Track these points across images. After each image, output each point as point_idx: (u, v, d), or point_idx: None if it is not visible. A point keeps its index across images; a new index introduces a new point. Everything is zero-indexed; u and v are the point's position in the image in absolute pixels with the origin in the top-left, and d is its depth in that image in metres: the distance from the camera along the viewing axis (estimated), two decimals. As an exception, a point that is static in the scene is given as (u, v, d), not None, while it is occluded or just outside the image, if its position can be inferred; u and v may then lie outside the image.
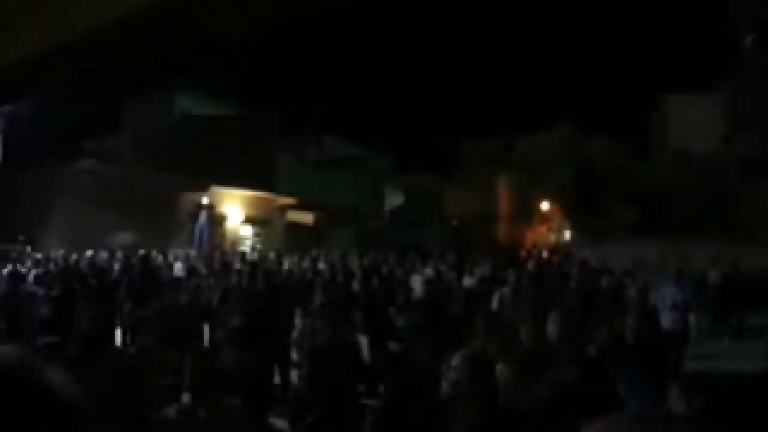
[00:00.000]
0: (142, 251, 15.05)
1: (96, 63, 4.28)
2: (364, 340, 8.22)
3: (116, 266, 13.60)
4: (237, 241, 26.99)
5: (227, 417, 3.36)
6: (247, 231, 28.36)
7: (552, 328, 4.59)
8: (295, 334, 7.12)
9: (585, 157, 35.01)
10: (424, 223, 38.33)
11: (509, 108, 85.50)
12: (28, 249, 17.31)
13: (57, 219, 20.31)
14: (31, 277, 10.95)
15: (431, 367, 4.51)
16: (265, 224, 28.90)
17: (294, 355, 7.41)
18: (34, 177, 20.96)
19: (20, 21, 3.85)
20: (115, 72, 6.38)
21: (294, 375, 7.38)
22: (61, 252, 15.88)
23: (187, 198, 24.61)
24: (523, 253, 23.74)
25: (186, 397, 3.57)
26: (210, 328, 9.03)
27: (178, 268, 14.14)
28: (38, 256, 15.38)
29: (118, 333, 9.23)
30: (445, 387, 3.79)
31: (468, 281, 11.60)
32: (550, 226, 39.63)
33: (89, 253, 15.75)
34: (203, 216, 24.26)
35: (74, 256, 14.99)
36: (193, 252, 18.56)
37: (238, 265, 13.31)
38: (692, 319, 9.25)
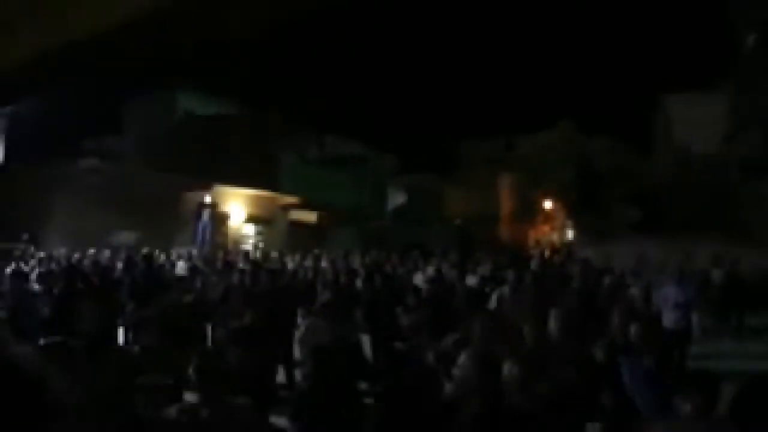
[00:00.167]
0: (144, 250, 15.07)
1: (97, 65, 4.29)
2: (366, 339, 8.25)
3: (119, 265, 13.62)
4: (239, 240, 27.01)
5: (232, 417, 3.37)
6: (249, 230, 28.38)
7: (553, 327, 4.60)
8: (298, 333, 7.13)
9: (586, 157, 34.98)
10: (426, 222, 38.31)
11: (510, 107, 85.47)
12: (31, 248, 17.32)
13: (60, 218, 20.33)
14: (34, 276, 10.96)
15: (433, 366, 4.53)
16: (268, 223, 28.92)
17: (297, 355, 7.42)
18: (37, 176, 20.98)
19: (21, 23, 3.86)
20: (116, 73, 6.39)
21: (298, 374, 7.41)
22: (64, 251, 15.90)
23: (190, 197, 24.63)
24: (526, 252, 23.76)
25: (188, 397, 3.58)
26: (212, 328, 9.06)
27: (181, 267, 14.16)
28: (41, 255, 15.40)
29: (121, 332, 9.24)
30: (449, 385, 3.80)
31: (471, 280, 11.61)
32: (552, 226, 39.62)
33: (92, 252, 15.77)
34: (206, 215, 24.28)
35: (77, 255, 15.00)
36: (195, 251, 18.58)
37: (241, 265, 13.32)
38: (695, 318, 9.24)
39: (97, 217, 19.99)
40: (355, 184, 37.64)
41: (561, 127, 36.39)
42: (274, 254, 17.81)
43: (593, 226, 31.39)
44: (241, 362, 4.58)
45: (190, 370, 3.43)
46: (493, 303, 8.58)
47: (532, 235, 39.00)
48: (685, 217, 28.02)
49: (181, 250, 18.40)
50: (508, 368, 3.59)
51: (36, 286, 9.76)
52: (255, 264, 13.32)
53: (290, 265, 14.61)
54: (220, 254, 17.07)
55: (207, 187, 24.70)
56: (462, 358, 3.43)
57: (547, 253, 22.73)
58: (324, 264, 14.56)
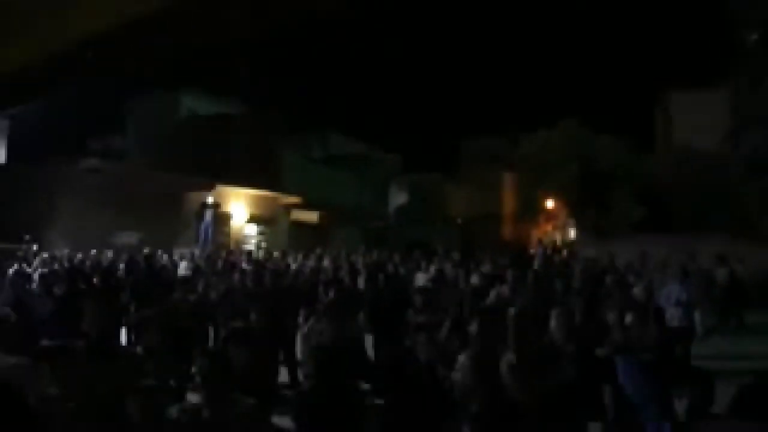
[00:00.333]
0: (146, 250, 15.08)
1: (98, 65, 4.29)
2: (369, 339, 8.25)
3: (121, 265, 13.63)
4: (242, 240, 27.02)
5: (234, 417, 3.36)
6: (251, 230, 28.37)
7: (554, 326, 4.59)
8: (301, 333, 7.13)
9: (588, 156, 34.89)
10: (428, 221, 38.31)
11: (513, 106, 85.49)
12: (34, 248, 17.33)
13: (62, 218, 20.33)
14: (36, 276, 10.97)
15: (433, 366, 4.52)
16: (270, 223, 28.90)
17: (300, 354, 7.43)
18: (40, 176, 20.97)
19: (21, 23, 3.86)
20: (118, 72, 6.39)
21: (301, 374, 7.40)
22: (66, 251, 15.91)
23: (192, 197, 24.63)
24: (528, 251, 23.74)
25: (191, 398, 3.58)
26: (214, 328, 9.07)
27: (183, 267, 14.17)
28: (44, 255, 15.41)
29: (123, 333, 9.25)
30: (450, 385, 3.80)
31: (473, 279, 11.60)
32: (554, 225, 39.60)
33: (94, 252, 15.79)
34: (208, 215, 24.26)
35: (79, 256, 15.02)
36: (197, 251, 18.58)
37: (244, 265, 13.33)
38: (697, 316, 9.24)
39: (100, 218, 20.00)
40: (357, 184, 37.65)
41: (563, 126, 36.31)
42: (276, 254, 17.82)
43: (596, 224, 31.36)
44: (244, 362, 4.57)
45: (193, 371, 3.43)
46: (491, 300, 8.56)
47: (535, 234, 38.97)
48: (689, 216, 28.02)
49: (183, 250, 18.40)
50: (503, 367, 3.58)
51: (38, 287, 9.76)
52: (258, 264, 13.33)
53: (293, 265, 14.61)
54: (223, 254, 17.08)
55: (209, 187, 24.69)
56: (461, 359, 3.43)
57: (548, 251, 22.69)
58: (326, 264, 14.57)
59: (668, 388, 4.05)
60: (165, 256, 15.78)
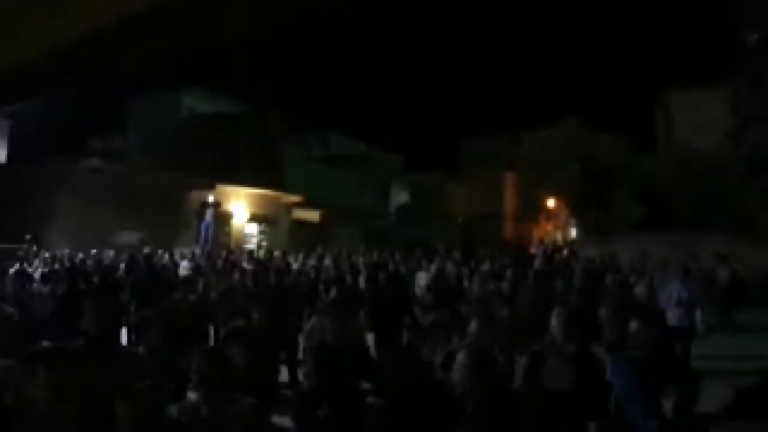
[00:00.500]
0: (147, 250, 15.07)
1: (98, 64, 4.29)
2: (370, 338, 8.24)
3: (122, 265, 13.63)
4: (242, 239, 27.02)
5: (234, 416, 3.36)
6: (252, 229, 28.38)
7: (555, 325, 4.58)
8: (303, 332, 7.13)
9: (589, 155, 34.85)
10: (429, 220, 38.30)
11: (513, 105, 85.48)
12: (34, 248, 17.34)
13: (63, 218, 20.35)
14: (37, 276, 10.97)
15: (435, 364, 4.52)
16: (271, 222, 28.91)
17: (301, 353, 7.42)
18: (40, 176, 20.99)
19: (22, 23, 3.85)
20: (119, 72, 6.39)
21: (301, 373, 7.39)
22: (67, 251, 15.92)
23: (193, 196, 24.64)
24: (529, 250, 23.73)
25: (191, 397, 3.57)
26: (215, 328, 9.06)
27: (184, 266, 14.17)
28: (44, 255, 15.42)
29: (124, 332, 9.24)
30: (450, 383, 3.78)
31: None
32: (555, 224, 39.54)
33: (94, 252, 15.79)
34: (209, 214, 24.27)
35: (80, 255, 15.02)
36: (198, 251, 18.58)
37: (245, 264, 13.33)
38: (698, 315, 9.22)
39: (100, 217, 20.01)
40: (358, 183, 37.65)
41: (564, 126, 36.26)
42: (277, 253, 17.82)
43: (597, 224, 31.33)
44: (244, 362, 4.56)
45: (193, 370, 3.42)
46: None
47: (535, 234, 38.95)
48: (689, 215, 28.00)
49: (184, 249, 18.41)
50: (502, 365, 3.58)
51: (39, 287, 9.76)
52: (259, 263, 13.33)
53: (294, 265, 14.61)
54: (224, 254, 17.08)
55: (210, 186, 24.70)
56: (459, 357, 3.42)
57: (549, 251, 22.67)
58: (327, 263, 14.56)
59: (657, 386, 4.04)
60: (166, 256, 15.79)
